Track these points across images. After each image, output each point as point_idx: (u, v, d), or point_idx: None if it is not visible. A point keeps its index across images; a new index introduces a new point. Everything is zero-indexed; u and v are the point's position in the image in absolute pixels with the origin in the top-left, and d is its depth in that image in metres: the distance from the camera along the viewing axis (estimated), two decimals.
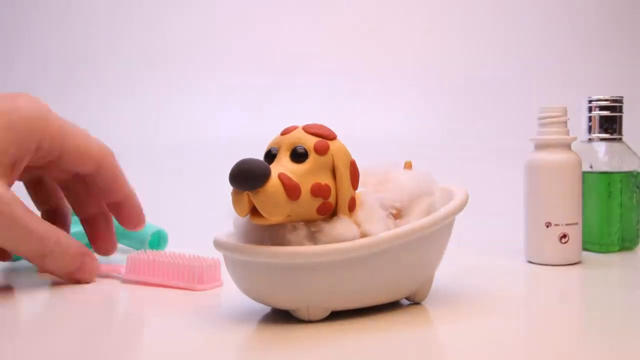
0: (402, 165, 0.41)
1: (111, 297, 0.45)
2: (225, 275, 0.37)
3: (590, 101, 0.57)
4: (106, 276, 0.48)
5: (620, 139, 0.57)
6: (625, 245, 0.57)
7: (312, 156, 0.33)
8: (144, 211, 0.53)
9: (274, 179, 0.31)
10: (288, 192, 0.31)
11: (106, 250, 0.53)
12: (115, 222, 0.54)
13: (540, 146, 0.52)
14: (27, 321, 0.40)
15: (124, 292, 0.45)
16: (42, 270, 0.47)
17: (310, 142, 0.33)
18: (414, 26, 1.03)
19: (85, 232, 0.53)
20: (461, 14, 1.02)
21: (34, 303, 0.43)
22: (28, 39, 1.09)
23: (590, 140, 0.57)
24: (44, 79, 1.07)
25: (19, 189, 0.47)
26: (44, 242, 0.44)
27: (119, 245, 0.62)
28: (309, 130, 0.34)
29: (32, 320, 0.40)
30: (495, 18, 1.02)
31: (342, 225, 0.33)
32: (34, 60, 1.07)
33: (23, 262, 0.54)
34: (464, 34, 1.02)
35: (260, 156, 0.34)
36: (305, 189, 0.32)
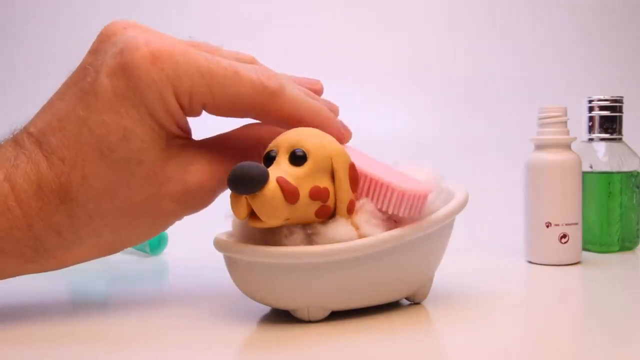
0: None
1: (108, 297, 0.45)
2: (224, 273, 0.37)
3: (590, 101, 0.57)
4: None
5: (620, 139, 0.57)
6: (625, 245, 0.57)
7: (311, 159, 0.33)
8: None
9: (272, 183, 0.31)
10: (286, 196, 0.31)
11: None
12: None
13: (540, 146, 0.52)
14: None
15: (119, 291, 0.45)
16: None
17: (309, 144, 0.33)
18: (413, 26, 1.03)
19: None
20: (461, 13, 1.02)
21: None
22: (28, 39, 1.09)
23: (590, 140, 0.57)
24: (44, 79, 1.08)
25: None
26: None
27: None
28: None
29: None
30: (495, 18, 1.02)
31: (338, 227, 0.33)
32: (34, 60, 1.07)
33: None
34: (464, 33, 1.02)
35: (259, 156, 0.34)
36: (304, 192, 0.32)
